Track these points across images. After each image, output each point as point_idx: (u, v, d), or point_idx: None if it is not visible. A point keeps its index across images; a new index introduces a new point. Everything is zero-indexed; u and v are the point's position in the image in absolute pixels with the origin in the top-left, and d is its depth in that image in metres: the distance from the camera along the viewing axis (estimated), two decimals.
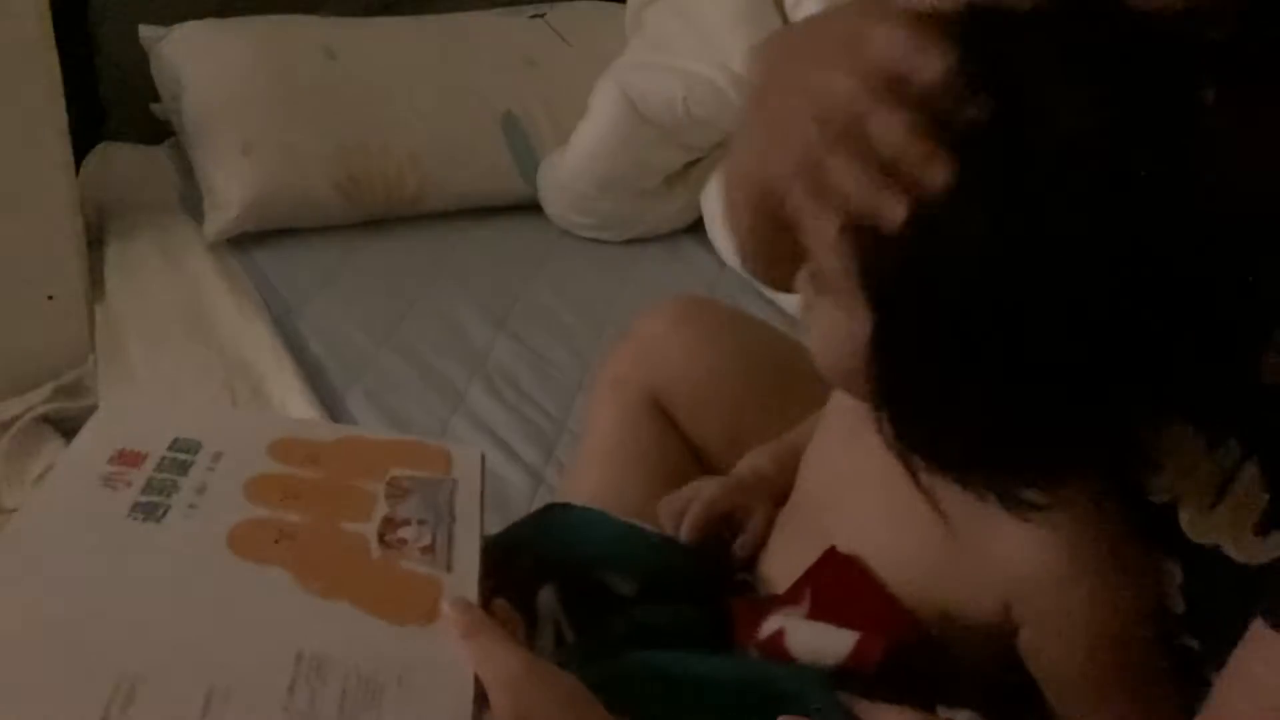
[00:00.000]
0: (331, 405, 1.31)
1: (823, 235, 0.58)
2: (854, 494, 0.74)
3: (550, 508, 0.83)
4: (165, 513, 0.63)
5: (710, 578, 0.79)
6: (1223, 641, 0.60)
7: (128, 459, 0.67)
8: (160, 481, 0.65)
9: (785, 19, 1.72)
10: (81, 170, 1.68)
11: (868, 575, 0.69)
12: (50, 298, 1.52)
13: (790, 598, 0.70)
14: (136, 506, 0.63)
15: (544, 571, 0.73)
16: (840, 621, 0.67)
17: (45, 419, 1.46)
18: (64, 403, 1.48)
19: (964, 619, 0.68)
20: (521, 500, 1.19)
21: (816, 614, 0.69)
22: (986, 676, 0.69)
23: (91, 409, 1.42)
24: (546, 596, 0.72)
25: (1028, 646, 0.68)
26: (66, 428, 1.46)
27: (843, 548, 0.71)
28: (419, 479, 0.71)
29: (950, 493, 0.65)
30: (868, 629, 0.66)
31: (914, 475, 0.63)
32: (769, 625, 0.69)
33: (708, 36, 1.73)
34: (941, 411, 0.60)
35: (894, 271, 0.56)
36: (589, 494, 0.87)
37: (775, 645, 0.68)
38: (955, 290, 0.55)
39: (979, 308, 0.55)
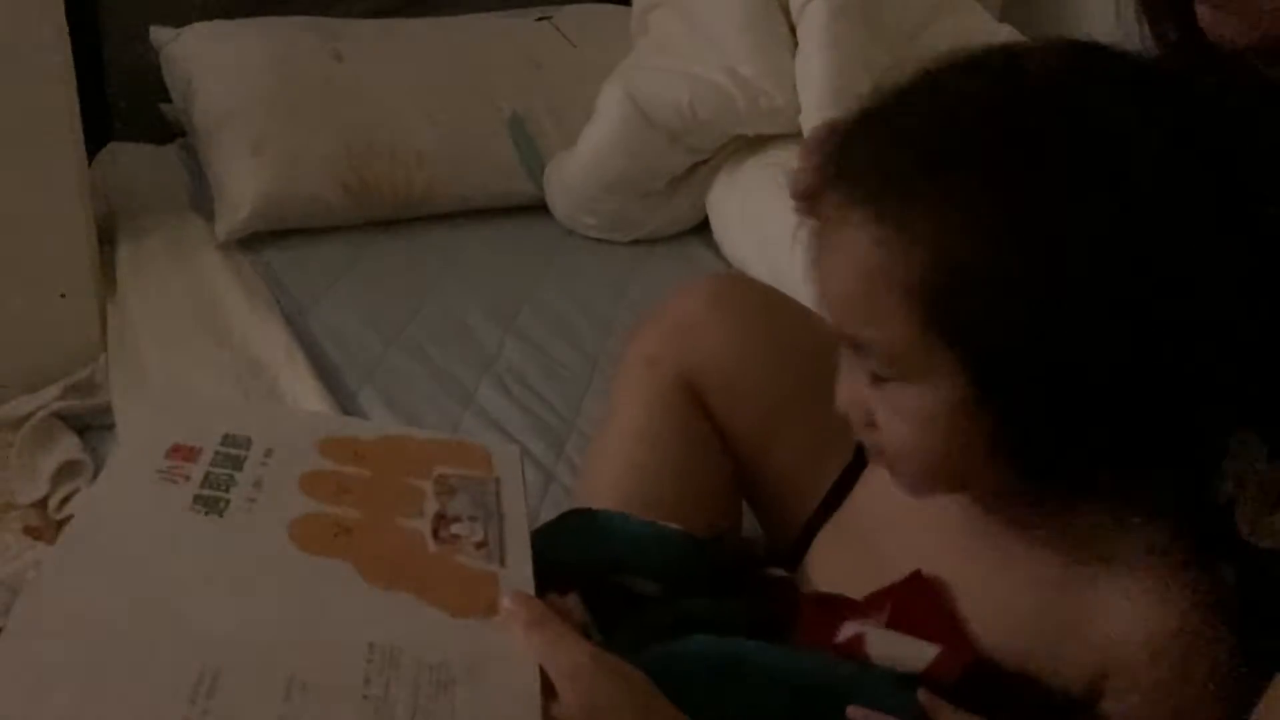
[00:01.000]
0: (345, 404, 1.32)
1: (895, 323, 0.59)
2: (930, 531, 0.72)
3: (568, 514, 0.83)
4: (226, 506, 0.65)
5: (732, 574, 0.79)
6: (1270, 644, 0.61)
7: (182, 453, 0.68)
8: (217, 476, 0.67)
9: (790, 23, 1.73)
10: (91, 170, 1.68)
11: (948, 604, 0.69)
12: (62, 295, 1.53)
13: (868, 609, 0.70)
14: (197, 500, 0.65)
15: (566, 579, 0.73)
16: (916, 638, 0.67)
17: (58, 416, 1.47)
18: (76, 400, 1.49)
19: (1042, 677, 0.67)
20: (533, 497, 1.20)
21: (893, 628, 0.69)
22: (1056, 706, 0.68)
23: (104, 406, 1.45)
24: (571, 600, 0.72)
25: (1107, 713, 0.67)
26: (79, 425, 1.47)
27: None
28: (465, 477, 0.72)
29: (1051, 561, 0.66)
30: (948, 647, 0.66)
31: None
32: (848, 629, 0.69)
33: (713, 39, 1.74)
34: (1060, 434, 0.59)
35: (984, 323, 0.57)
36: (616, 478, 0.87)
37: (854, 648, 0.68)
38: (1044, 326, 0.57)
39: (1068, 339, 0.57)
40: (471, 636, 0.60)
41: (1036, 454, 0.61)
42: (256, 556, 0.62)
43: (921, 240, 0.57)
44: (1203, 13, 0.64)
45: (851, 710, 0.63)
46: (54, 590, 0.58)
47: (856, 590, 0.72)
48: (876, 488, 0.79)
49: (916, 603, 0.69)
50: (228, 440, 0.70)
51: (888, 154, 0.59)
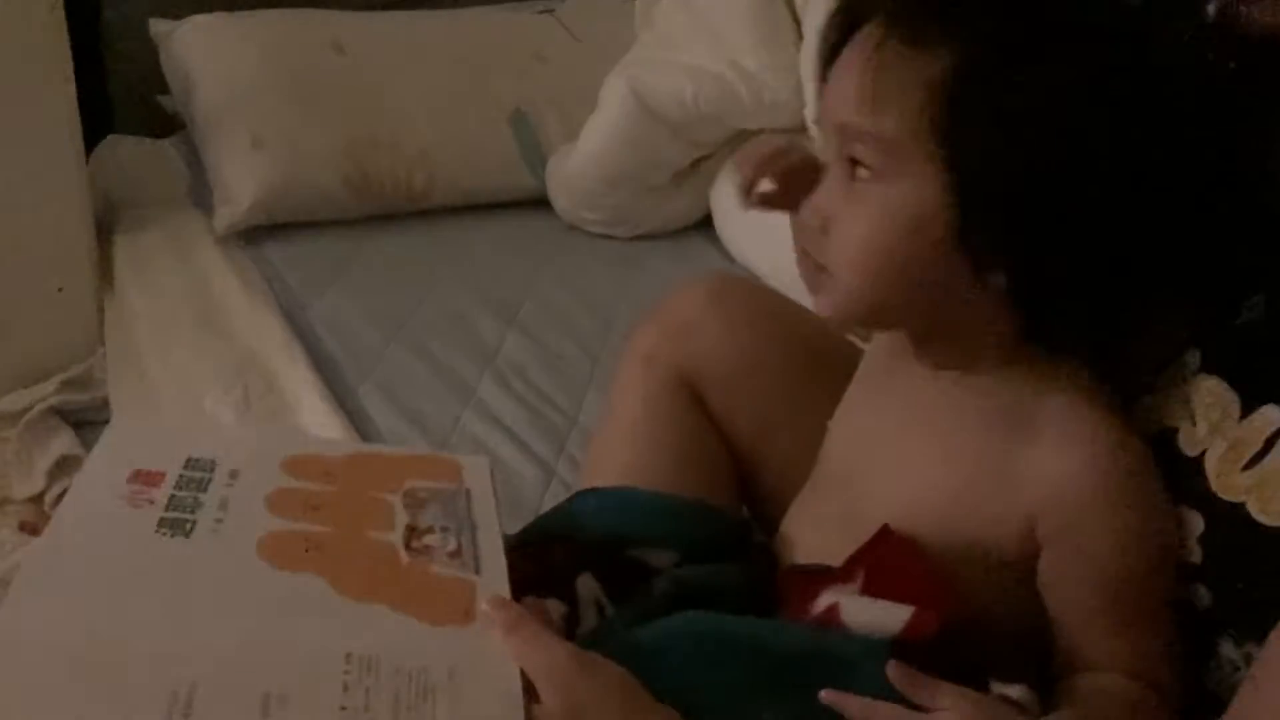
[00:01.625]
0: (344, 400, 1.31)
1: (896, 115, 0.64)
2: (877, 449, 0.75)
3: (579, 495, 0.83)
4: (192, 528, 0.64)
5: (744, 541, 0.80)
6: (1237, 598, 0.63)
7: (145, 478, 0.68)
8: (182, 499, 0.67)
9: (795, 16, 1.72)
10: (90, 163, 1.67)
11: (921, 555, 0.70)
12: (60, 290, 1.52)
13: (843, 575, 0.71)
14: (163, 523, 0.64)
15: (579, 559, 0.73)
16: (893, 600, 0.68)
17: (54, 411, 1.46)
18: (72, 395, 1.48)
19: (988, 548, 0.69)
20: (533, 493, 1.19)
21: (869, 592, 0.69)
22: (1036, 652, 0.69)
23: (100, 401, 1.44)
24: (585, 581, 0.72)
25: (1047, 571, 0.69)
26: (75, 420, 1.46)
27: (871, 505, 0.72)
28: (434, 489, 0.72)
29: (978, 419, 0.69)
30: (921, 606, 0.67)
31: None
32: (822, 601, 0.69)
33: (717, 33, 1.73)
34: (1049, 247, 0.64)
35: (982, 139, 0.63)
36: (615, 475, 0.87)
37: (830, 620, 0.69)
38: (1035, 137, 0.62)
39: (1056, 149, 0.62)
40: (451, 643, 0.60)
41: (976, 267, 0.65)
42: (226, 575, 0.62)
43: (947, 45, 0.63)
44: None
45: (824, 694, 0.63)
46: (22, 617, 0.58)
47: (829, 539, 0.73)
48: (835, 434, 0.81)
49: (889, 560, 0.70)
50: (191, 464, 0.70)
51: None
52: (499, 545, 0.68)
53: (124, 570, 0.61)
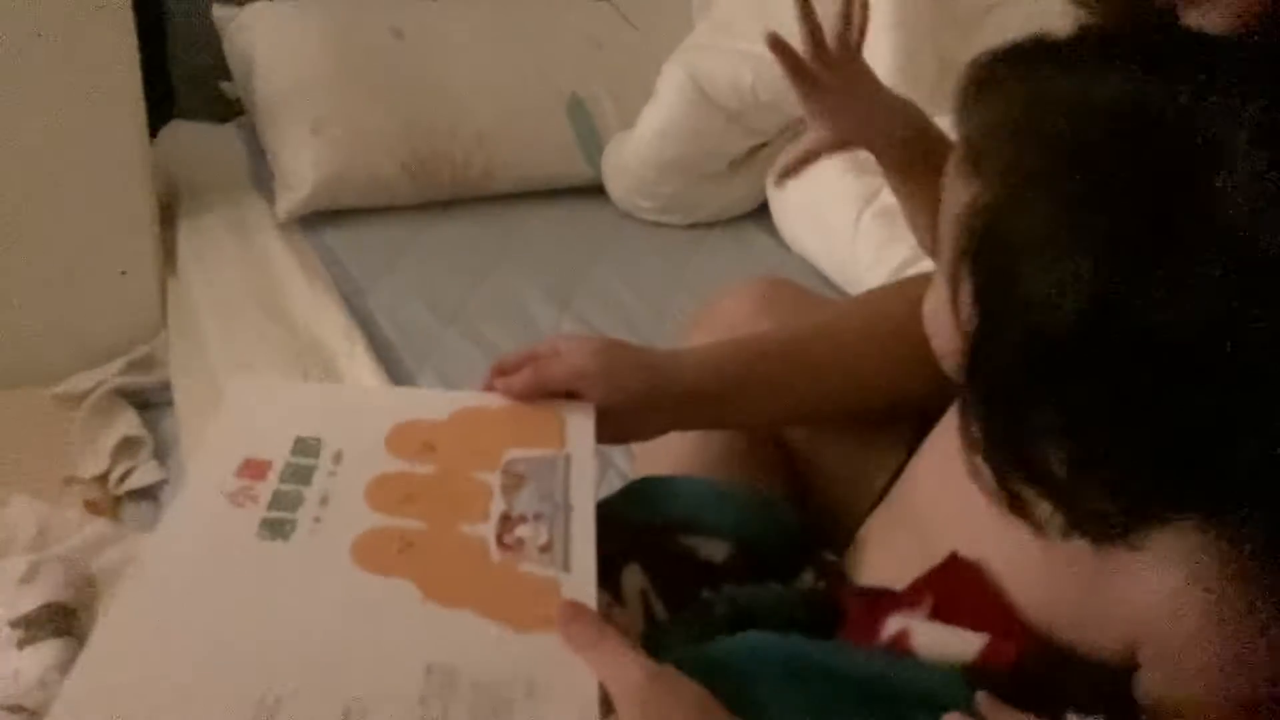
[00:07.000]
0: (401, 383, 1.32)
1: (948, 224, 0.61)
2: (973, 507, 0.69)
3: (638, 481, 0.82)
4: (292, 530, 0.65)
5: (801, 541, 0.78)
6: None
7: (253, 470, 0.68)
8: (285, 495, 0.67)
9: None
10: (153, 148, 1.70)
11: (990, 585, 0.67)
12: (123, 273, 1.55)
13: (910, 599, 0.69)
14: (264, 524, 0.65)
15: (629, 547, 0.73)
16: (962, 627, 0.66)
17: (118, 392, 1.49)
18: (136, 376, 1.51)
19: (1080, 650, 0.66)
20: None
21: (938, 617, 0.67)
22: (1114, 682, 0.66)
23: (164, 383, 1.46)
24: (632, 573, 0.72)
25: (1146, 687, 0.65)
26: (138, 401, 1.49)
27: (951, 546, 0.69)
28: (534, 460, 0.72)
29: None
30: (995, 635, 0.65)
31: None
32: (891, 625, 0.68)
33: (776, 19, 1.71)
34: (1024, 422, 0.59)
35: (990, 264, 0.57)
36: (670, 466, 0.86)
37: (900, 645, 0.67)
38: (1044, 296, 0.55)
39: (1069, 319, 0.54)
40: (532, 653, 0.60)
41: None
42: (320, 581, 0.63)
43: (984, 177, 0.58)
44: None
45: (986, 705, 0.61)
46: (123, 625, 0.59)
47: (905, 572, 0.71)
48: (924, 470, 0.78)
49: (959, 587, 0.68)
50: (298, 447, 0.70)
51: (997, 112, 0.60)
52: (591, 530, 0.68)
53: (222, 578, 0.62)
